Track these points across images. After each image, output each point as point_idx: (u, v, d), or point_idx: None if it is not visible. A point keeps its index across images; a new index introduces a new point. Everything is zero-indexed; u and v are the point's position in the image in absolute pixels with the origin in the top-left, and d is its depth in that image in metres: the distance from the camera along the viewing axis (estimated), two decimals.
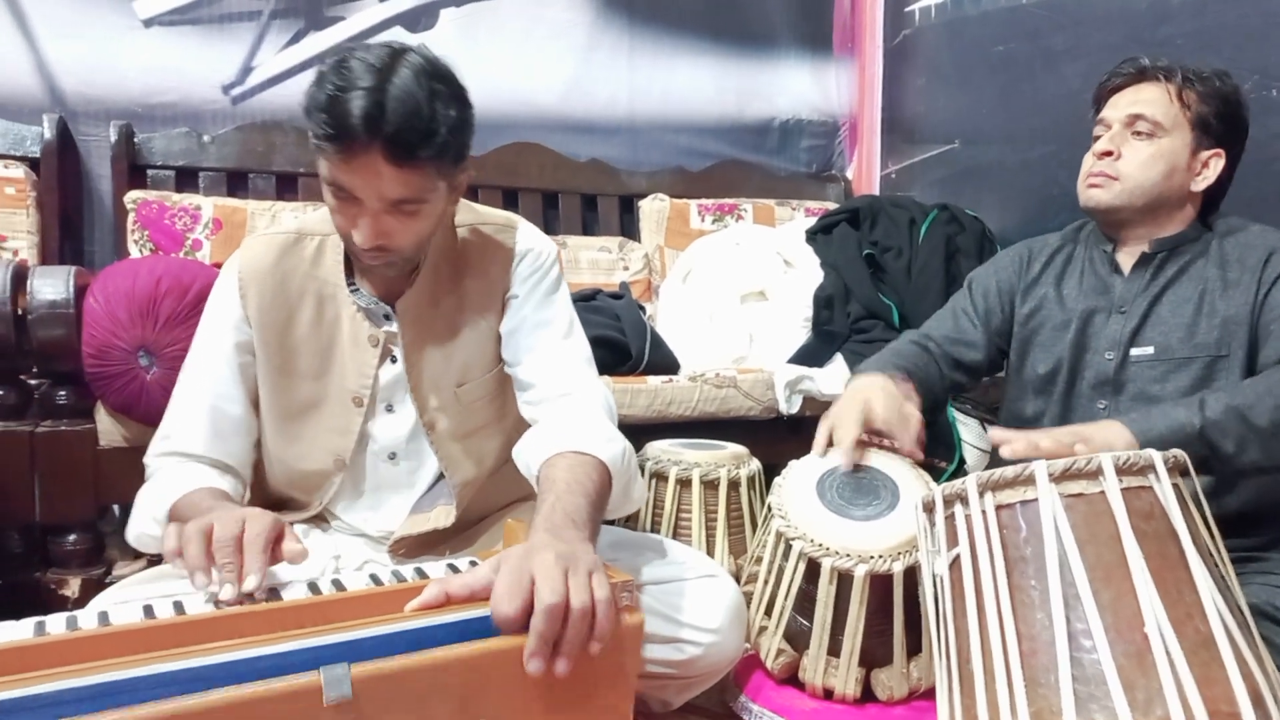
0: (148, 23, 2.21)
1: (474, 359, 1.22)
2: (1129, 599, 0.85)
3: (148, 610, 0.91)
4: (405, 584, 0.96)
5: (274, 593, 0.94)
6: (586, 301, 2.10)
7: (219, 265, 1.84)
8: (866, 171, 3.01)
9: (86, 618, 0.88)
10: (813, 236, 2.41)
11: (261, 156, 2.27)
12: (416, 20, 2.44)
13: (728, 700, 1.29)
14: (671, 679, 1.16)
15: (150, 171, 2.19)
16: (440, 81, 1.04)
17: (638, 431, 1.67)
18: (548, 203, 2.63)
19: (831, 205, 2.76)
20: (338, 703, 0.71)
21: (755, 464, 1.68)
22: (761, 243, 2.41)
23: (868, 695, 1.21)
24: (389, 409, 1.22)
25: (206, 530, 0.93)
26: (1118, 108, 1.36)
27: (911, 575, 1.15)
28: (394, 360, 1.20)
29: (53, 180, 2.06)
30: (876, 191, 2.92)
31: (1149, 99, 1.34)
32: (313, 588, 0.96)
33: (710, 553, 1.58)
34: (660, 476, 1.61)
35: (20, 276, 1.48)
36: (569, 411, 1.15)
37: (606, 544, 1.13)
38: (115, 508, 1.68)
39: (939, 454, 2.01)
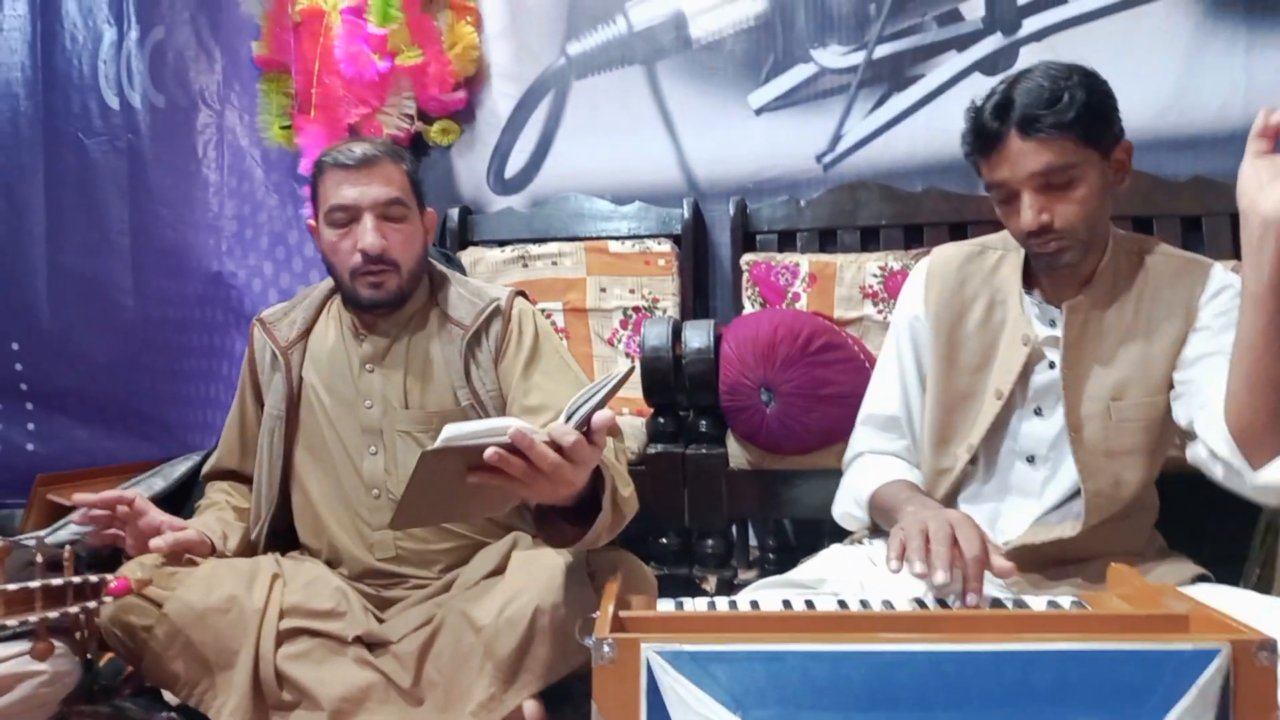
0: (758, 111, 2.60)
1: (1135, 378, 1.23)
2: None
3: (786, 604, 1.11)
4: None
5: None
6: None
7: (818, 314, 2.09)
8: None
9: (742, 602, 1.10)
10: None
11: (848, 214, 2.50)
12: (995, 63, 2.46)
13: None
14: None
15: (758, 236, 2.56)
16: (1072, 72, 1.16)
17: None
18: (1140, 228, 2.41)
19: None
20: None
21: None
22: None
23: None
24: (1038, 412, 1.28)
25: (923, 529, 1.07)
26: None
27: None
28: (1051, 366, 1.27)
29: (690, 251, 2.55)
30: None
31: None
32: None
33: None
34: None
35: (676, 330, 1.88)
36: None
37: None
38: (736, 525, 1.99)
39: None
